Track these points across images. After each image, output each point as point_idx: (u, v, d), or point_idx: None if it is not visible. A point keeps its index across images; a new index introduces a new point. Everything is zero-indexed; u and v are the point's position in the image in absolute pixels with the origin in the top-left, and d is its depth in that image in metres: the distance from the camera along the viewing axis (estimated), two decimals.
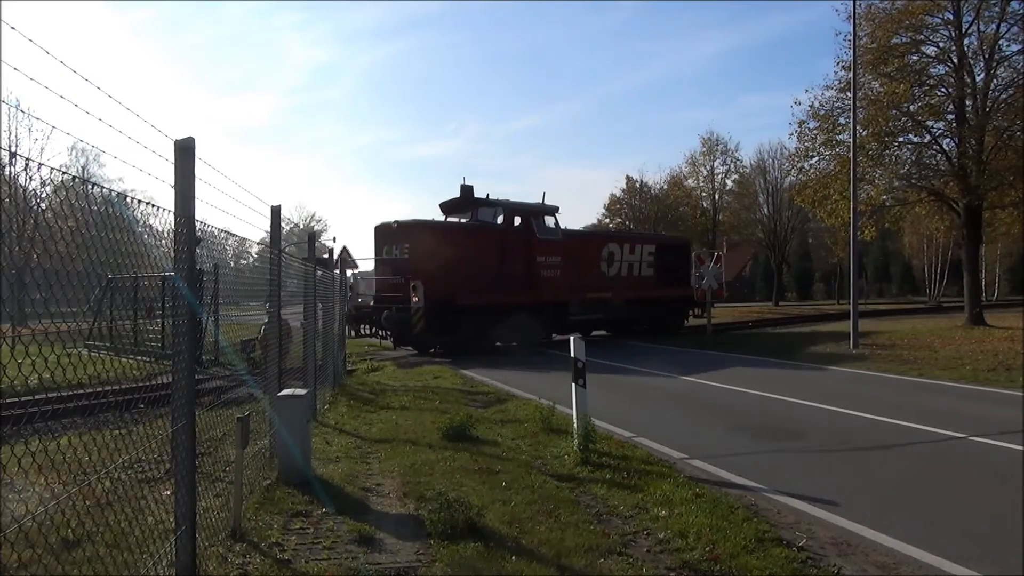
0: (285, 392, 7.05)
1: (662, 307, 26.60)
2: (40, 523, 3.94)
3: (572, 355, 8.12)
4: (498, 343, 21.35)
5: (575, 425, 7.98)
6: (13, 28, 2.89)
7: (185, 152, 4.17)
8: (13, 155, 5.09)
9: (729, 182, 64.83)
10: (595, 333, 25.77)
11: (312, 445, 7.30)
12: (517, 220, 22.01)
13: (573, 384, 8.11)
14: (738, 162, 64.15)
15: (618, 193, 61.58)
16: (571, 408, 8.25)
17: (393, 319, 19.06)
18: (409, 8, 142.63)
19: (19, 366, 2.97)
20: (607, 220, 62.37)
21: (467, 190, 21.91)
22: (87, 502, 4.17)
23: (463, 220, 22.23)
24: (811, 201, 29.58)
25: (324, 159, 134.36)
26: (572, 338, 8.32)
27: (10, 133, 35.86)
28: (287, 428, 6.79)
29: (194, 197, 4.23)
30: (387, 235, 20.61)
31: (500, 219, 21.75)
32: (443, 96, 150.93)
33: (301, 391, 7.18)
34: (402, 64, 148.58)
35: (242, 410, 5.73)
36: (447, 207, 22.72)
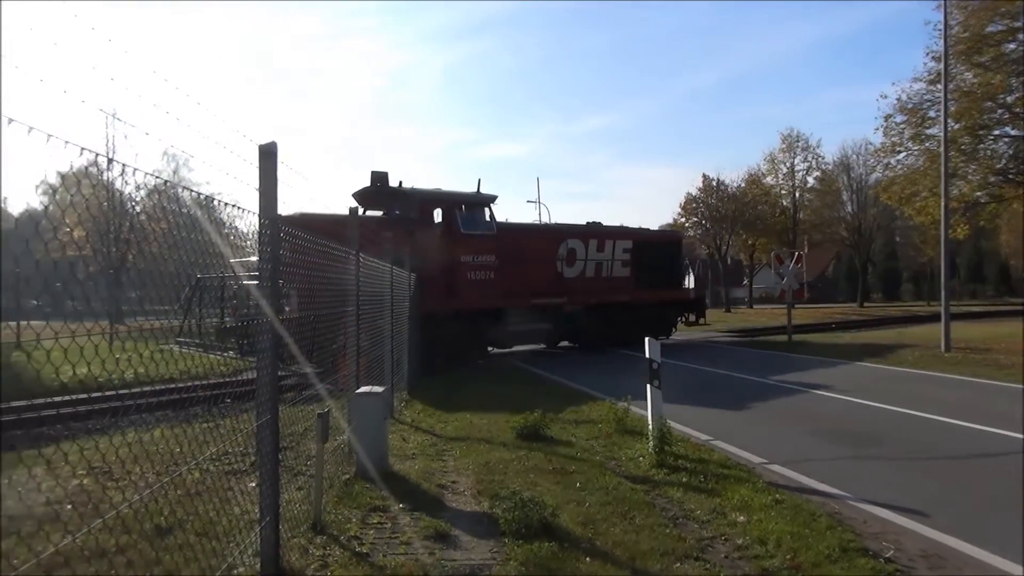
0: (363, 389, 7.21)
1: (640, 313, 22.13)
2: (136, 510, 4.14)
3: (647, 356, 8.02)
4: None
5: (650, 427, 7.88)
6: (110, 40, 3.04)
7: (268, 156, 4.31)
8: (111, 161, 5.36)
9: (810, 179, 62.76)
10: (555, 345, 22.53)
11: (389, 442, 7.43)
12: (437, 213, 18.07)
13: (648, 385, 8.01)
14: (820, 159, 62.06)
15: (694, 192, 60.46)
16: (646, 409, 8.15)
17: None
18: (483, 9, 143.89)
19: (116, 361, 3.13)
20: (683, 219, 61.34)
21: (379, 178, 17.64)
22: (178, 491, 4.35)
23: (377, 214, 18.40)
24: (898, 198, 28.37)
25: (400, 160, 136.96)
26: (647, 339, 8.21)
27: (108, 140, 37.87)
28: (365, 424, 6.95)
29: (277, 199, 4.36)
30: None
31: (415, 212, 17.68)
32: (517, 96, 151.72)
33: (378, 389, 7.33)
34: (477, 66, 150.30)
35: (322, 406, 5.88)
36: (362, 197, 18.36)
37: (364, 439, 6.98)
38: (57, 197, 2.79)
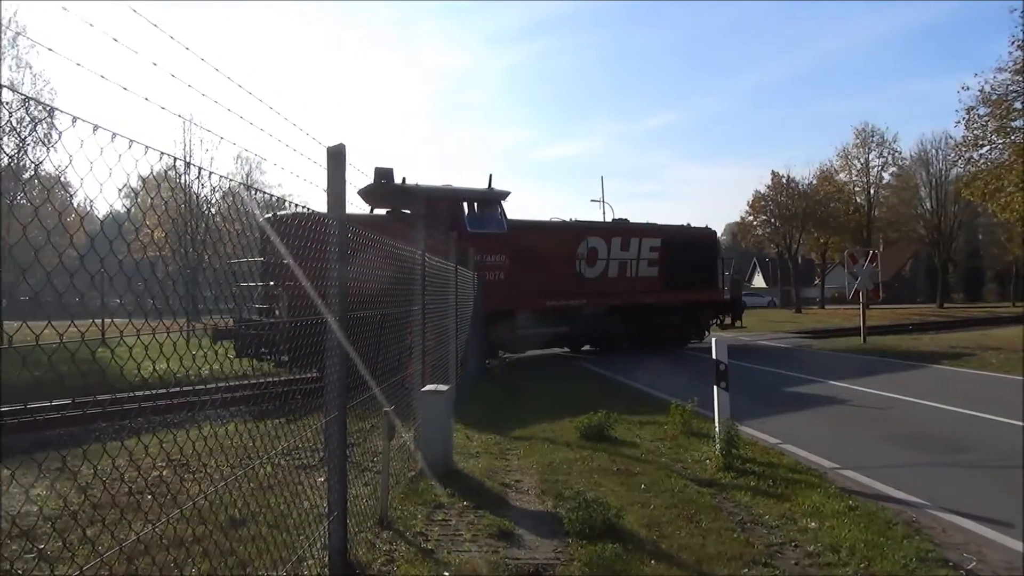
0: (428, 387, 7.29)
1: (669, 315, 21.19)
2: (211, 502, 4.28)
3: (714, 357, 7.88)
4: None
5: (717, 429, 7.74)
6: (187, 48, 3.16)
7: (336, 158, 4.41)
8: (188, 164, 5.56)
9: (886, 175, 60.64)
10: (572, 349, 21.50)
11: (454, 439, 7.50)
12: (442, 211, 16.73)
13: (715, 387, 7.87)
14: (896, 154, 59.85)
15: (763, 190, 59.07)
16: (712, 411, 8.01)
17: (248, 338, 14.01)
18: (544, 9, 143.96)
19: (193, 358, 3.25)
20: (751, 218, 60.01)
21: (383, 174, 16.21)
22: (251, 485, 4.49)
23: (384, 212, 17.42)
24: (981, 194, 27.13)
25: (463, 161, 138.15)
26: (714, 339, 8.07)
27: (185, 144, 39.35)
28: (430, 422, 7.04)
29: (345, 200, 4.46)
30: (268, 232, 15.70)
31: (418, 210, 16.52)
32: (579, 96, 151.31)
33: (443, 387, 7.41)
34: (537, 67, 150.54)
35: (388, 404, 5.98)
36: (368, 195, 16.85)
37: (429, 437, 7.07)
38: (138, 200, 2.91)
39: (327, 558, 4.42)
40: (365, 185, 16.42)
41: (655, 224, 22.18)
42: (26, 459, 5.89)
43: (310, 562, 4.42)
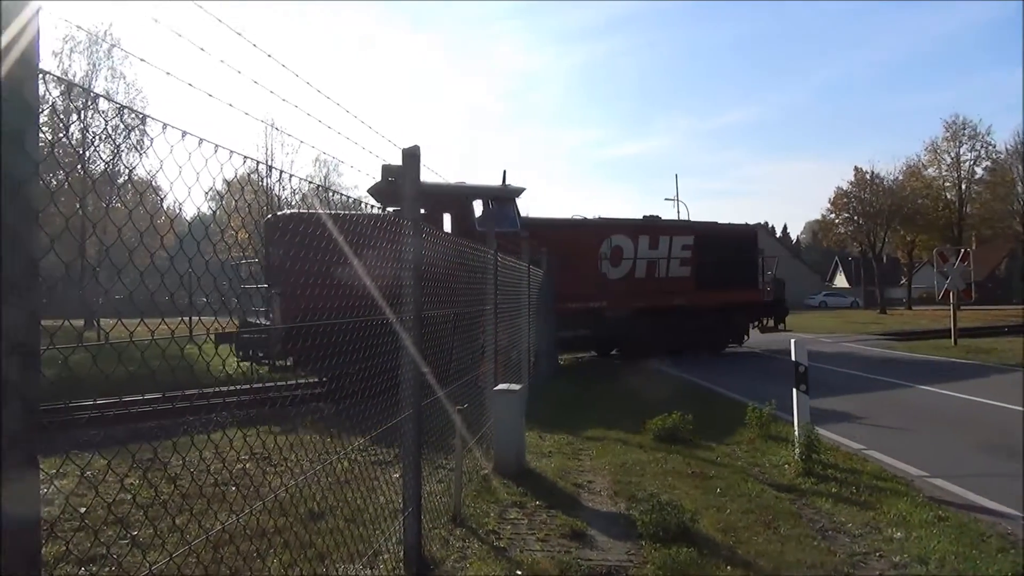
0: (501, 386, 7.33)
1: (703, 317, 19.71)
2: (292, 495, 4.42)
3: (793, 359, 7.65)
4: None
5: (796, 433, 7.52)
6: (269, 56, 3.26)
7: (411, 159, 4.48)
8: (270, 168, 5.74)
9: (979, 170, 57.57)
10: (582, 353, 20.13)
11: (526, 439, 7.52)
12: (449, 209, 15.82)
13: (794, 389, 7.64)
14: (990, 147, 56.73)
15: (844, 186, 56.97)
16: (791, 415, 7.78)
17: (245, 342, 13.17)
18: (616, 8, 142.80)
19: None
20: (832, 215, 57.99)
21: (391, 172, 13.94)
22: (329, 479, 4.60)
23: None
24: None
25: (533, 160, 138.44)
26: (793, 341, 7.84)
27: (267, 148, 40.72)
28: (502, 421, 7.07)
29: (419, 201, 4.52)
30: (267, 232, 14.20)
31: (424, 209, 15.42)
32: (649, 94, 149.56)
33: (516, 386, 7.43)
34: (607, 65, 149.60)
35: (461, 402, 6.05)
36: (377, 194, 14.83)
37: (501, 436, 7.11)
38: (223, 203, 3.02)
39: (402, 553, 4.50)
40: (374, 184, 15.65)
41: (687, 221, 21.52)
42: (121, 449, 6.20)
43: (386, 556, 4.51)
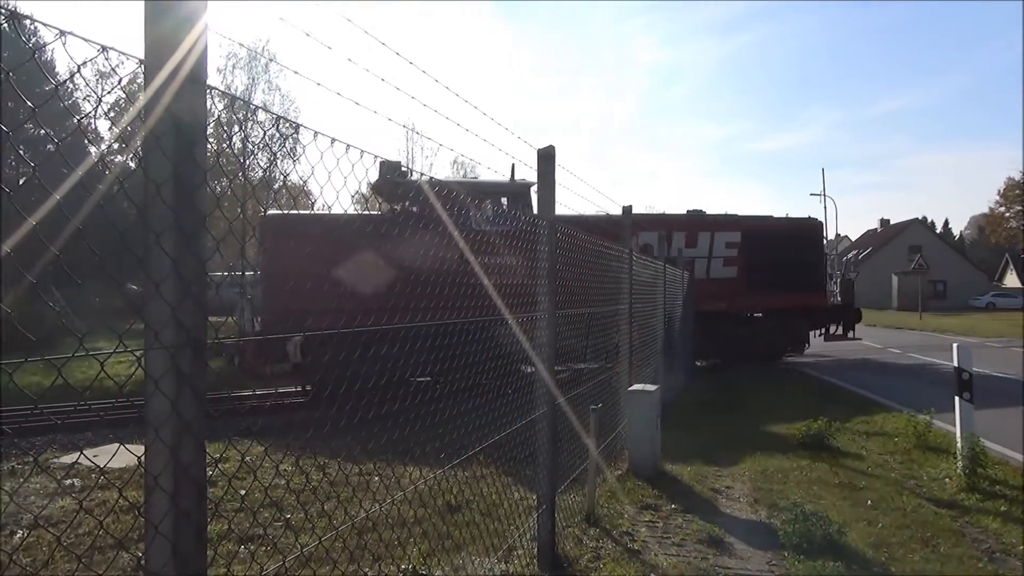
0: (636, 387, 7.25)
1: (755, 323, 17.96)
2: (429, 487, 4.57)
3: (956, 365, 7.07)
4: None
5: (959, 444, 6.94)
6: (411, 63, 3.39)
7: (546, 160, 4.51)
8: (411, 171, 5.96)
9: None
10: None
11: (661, 440, 7.39)
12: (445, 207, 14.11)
13: (957, 398, 7.06)
14: None
15: (1016, 176, 52.04)
16: (953, 424, 7.20)
17: (229, 347, 12.69)
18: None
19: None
20: (1002, 209, 53.17)
21: (390, 168, 13.64)
22: (466, 473, 4.73)
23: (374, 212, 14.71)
24: None
25: (677, 155, 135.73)
26: (956, 345, 7.24)
27: (408, 152, 42.39)
28: (637, 422, 6.99)
29: (554, 201, 4.55)
30: (260, 233, 14.13)
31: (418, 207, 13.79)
32: (794, 85, 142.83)
33: (651, 387, 7.32)
34: (753, 55, 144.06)
35: (595, 402, 6.03)
36: (378, 191, 14.50)
37: (636, 436, 7.02)
38: (368, 205, 3.17)
39: (536, 549, 4.55)
40: (374, 181, 14.32)
41: (734, 215, 18.78)
42: (277, 439, 6.65)
43: (519, 552, 4.57)
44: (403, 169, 14.40)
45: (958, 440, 7.00)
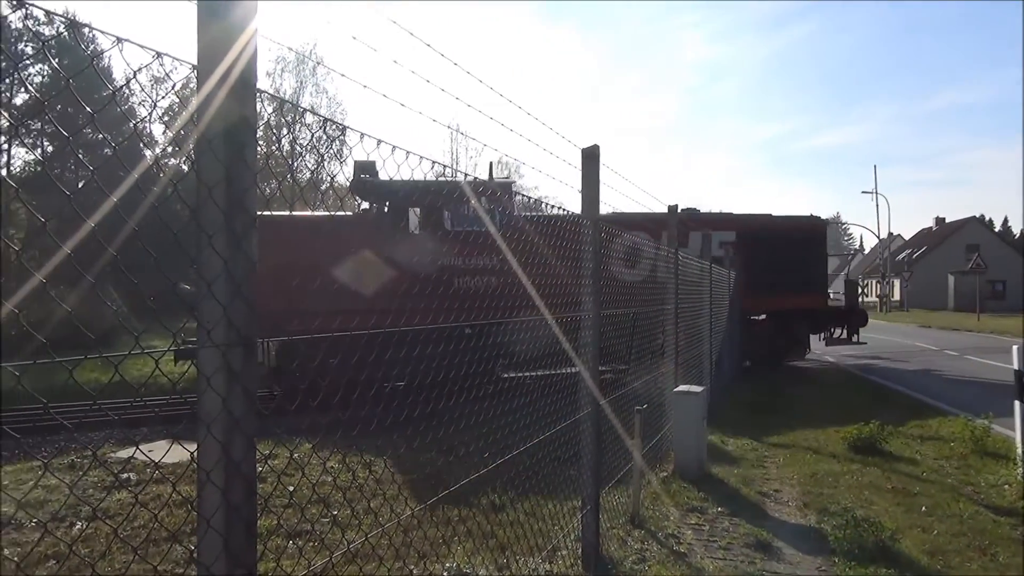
0: (681, 388, 7.17)
1: (752, 327, 17.08)
2: (474, 486, 4.59)
3: (1015, 367, 6.84)
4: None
5: (1019, 450, 6.71)
6: (455, 64, 3.40)
7: (591, 159, 4.49)
8: (455, 171, 5.99)
9: None
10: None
11: (707, 442, 7.30)
12: (417, 207, 13.81)
13: (1016, 402, 6.83)
14: None
15: None
16: (1013, 429, 6.96)
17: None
18: None
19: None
20: None
21: (363, 168, 13.38)
22: (511, 472, 4.73)
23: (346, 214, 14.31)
24: None
25: (723, 154, 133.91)
26: (1016, 348, 7.00)
27: (452, 152, 42.68)
28: (683, 424, 6.92)
29: (599, 200, 4.52)
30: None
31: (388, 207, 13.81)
32: (845, 80, 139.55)
33: (697, 388, 7.24)
34: (802, 51, 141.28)
35: (641, 402, 5.98)
36: (354, 192, 14.27)
37: (682, 438, 6.95)
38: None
39: (580, 550, 4.53)
40: (350, 182, 13.99)
41: (728, 214, 17.83)
42: (325, 437, 6.75)
43: (564, 552, 4.56)
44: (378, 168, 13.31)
45: (1018, 446, 6.77)
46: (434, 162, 2.91)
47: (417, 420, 3.48)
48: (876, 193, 49.70)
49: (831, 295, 18.45)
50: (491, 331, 4.28)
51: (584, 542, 4.51)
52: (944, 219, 66.95)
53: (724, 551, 5.01)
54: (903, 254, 66.65)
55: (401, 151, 2.55)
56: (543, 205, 4.64)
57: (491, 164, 16.77)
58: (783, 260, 16.84)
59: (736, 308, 14.35)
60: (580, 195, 4.53)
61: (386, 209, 13.53)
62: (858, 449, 7.90)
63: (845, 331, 18.23)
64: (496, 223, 13.59)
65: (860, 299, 18.51)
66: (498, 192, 14.13)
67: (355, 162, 13.96)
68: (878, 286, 56.93)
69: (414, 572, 4.44)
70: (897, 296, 57.60)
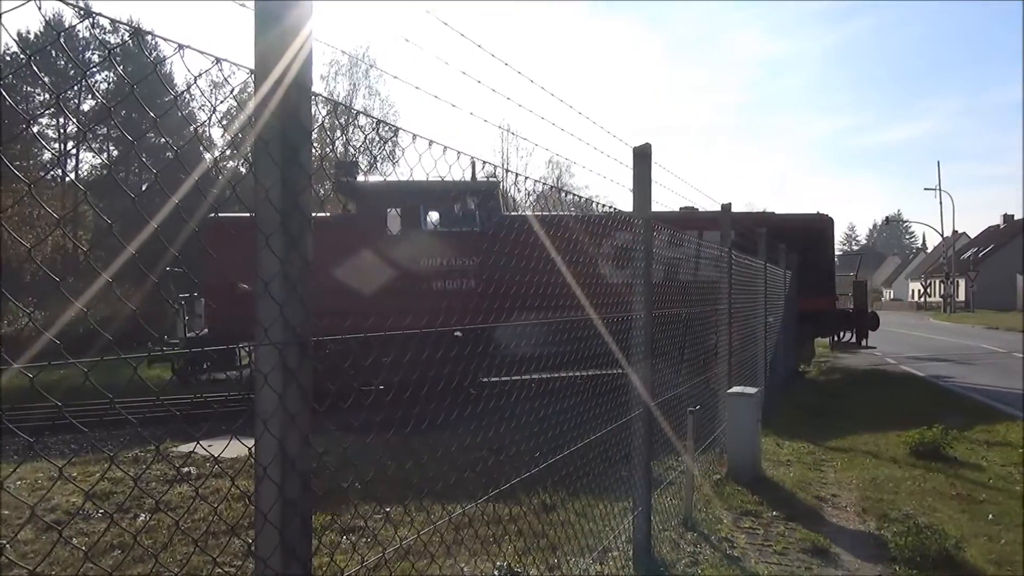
0: (735, 389, 7.06)
1: None
2: (524, 485, 4.59)
3: None
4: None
5: None
6: (507, 64, 3.41)
7: (642, 158, 4.45)
8: (506, 171, 6.01)
9: None
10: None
11: (762, 445, 7.17)
12: (394, 209, 13.56)
13: None
14: None
15: None
16: None
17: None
18: None
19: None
20: None
21: (345, 169, 13.51)
22: (563, 472, 4.73)
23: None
24: None
25: (782, 151, 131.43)
26: None
27: (503, 152, 42.82)
28: (736, 425, 6.81)
29: (650, 199, 4.48)
30: (204, 237, 12.87)
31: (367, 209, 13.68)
32: (909, 73, 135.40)
33: (751, 389, 7.12)
34: (865, 44, 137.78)
35: (693, 404, 5.91)
36: (340, 190, 14.31)
37: (735, 440, 6.84)
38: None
39: (631, 552, 4.50)
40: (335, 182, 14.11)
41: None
42: (377, 434, 6.83)
43: (615, 554, 4.53)
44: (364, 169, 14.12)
45: None
46: (484, 162, 2.92)
47: (468, 419, 3.50)
48: (939, 190, 48.08)
49: (837, 297, 17.45)
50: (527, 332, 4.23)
51: (635, 544, 4.47)
52: (1013, 216, 64.45)
53: (779, 556, 4.91)
54: (968, 253, 64.37)
55: (452, 151, 2.57)
56: (593, 204, 4.62)
57: (473, 162, 16.02)
58: (788, 260, 15.73)
59: (792, 308, 14.06)
60: (632, 194, 4.49)
61: (365, 212, 13.27)
62: (920, 454, 7.66)
63: (854, 335, 17.46)
64: (480, 223, 13.33)
65: (870, 301, 17.42)
66: (488, 191, 13.86)
67: (337, 163, 14.15)
68: (942, 286, 55.16)
69: (465, 570, 4.47)
70: (962, 296, 55.70)
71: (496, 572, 4.24)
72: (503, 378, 8.20)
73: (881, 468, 7.28)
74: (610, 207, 4.84)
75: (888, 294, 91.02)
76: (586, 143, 3.92)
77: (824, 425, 9.59)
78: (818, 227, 17.24)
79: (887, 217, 76.09)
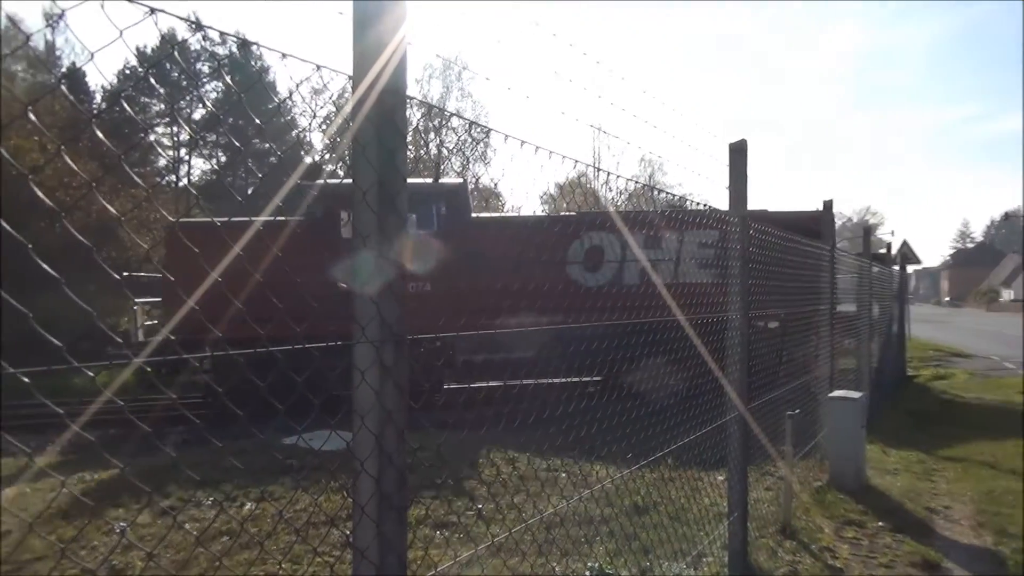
0: (837, 393, 6.78)
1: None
2: (616, 487, 4.55)
3: None
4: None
5: None
6: (598, 63, 3.39)
7: (738, 154, 4.34)
8: (598, 170, 5.97)
9: None
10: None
11: (867, 452, 6.86)
12: (345, 213, 12.07)
13: None
14: None
15: None
16: None
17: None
18: None
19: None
20: None
21: (310, 172, 11.72)
22: (653, 475, 4.66)
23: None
24: None
25: (884, 147, 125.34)
26: None
27: (594, 151, 42.56)
28: (838, 431, 6.53)
29: (746, 196, 4.36)
30: (168, 242, 12.73)
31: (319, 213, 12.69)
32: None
33: (855, 394, 6.81)
34: (976, 32, 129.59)
35: (792, 407, 5.71)
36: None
37: (838, 446, 6.56)
38: (555, 205, 3.21)
39: (726, 558, 4.39)
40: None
41: (712, 208, 14.56)
42: (471, 431, 6.94)
43: (709, 559, 4.43)
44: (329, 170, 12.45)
45: None
46: (576, 161, 2.91)
47: (560, 419, 3.50)
48: None
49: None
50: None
51: (731, 550, 4.36)
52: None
53: (886, 569, 4.68)
54: None
55: (544, 151, 2.58)
56: (686, 202, 4.54)
57: (438, 161, 14.79)
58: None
59: (899, 309, 13.40)
60: (727, 191, 4.38)
61: (319, 215, 12.58)
62: None
63: None
64: (446, 224, 12.79)
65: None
66: (454, 192, 13.45)
67: (309, 166, 13.21)
68: None
69: (556, 569, 4.47)
70: None
71: (587, 572, 4.22)
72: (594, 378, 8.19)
73: (999, 480, 6.83)
74: (705, 205, 4.73)
75: (1008, 294, 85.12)
76: (679, 140, 3.85)
77: (936, 432, 9.08)
78: (812, 223, 15.18)
79: (1006, 213, 71.23)
